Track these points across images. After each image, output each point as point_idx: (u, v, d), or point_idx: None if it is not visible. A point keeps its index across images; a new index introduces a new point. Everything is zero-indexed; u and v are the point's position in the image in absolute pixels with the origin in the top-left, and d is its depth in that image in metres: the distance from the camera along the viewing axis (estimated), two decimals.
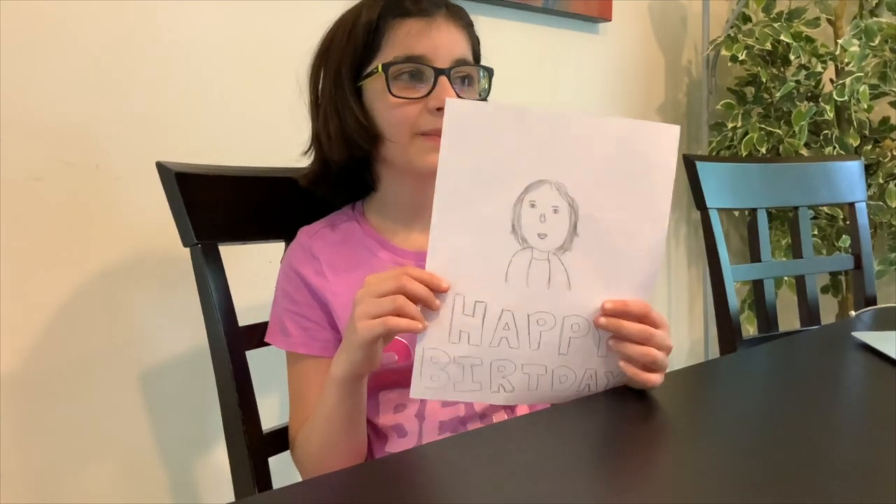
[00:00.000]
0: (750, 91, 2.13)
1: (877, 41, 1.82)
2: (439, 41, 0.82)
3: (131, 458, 1.20)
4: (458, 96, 0.81)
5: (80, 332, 1.13)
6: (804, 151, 1.95)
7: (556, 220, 0.69)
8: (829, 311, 1.98)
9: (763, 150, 1.97)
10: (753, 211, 1.36)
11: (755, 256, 1.36)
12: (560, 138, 0.69)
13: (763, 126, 2.00)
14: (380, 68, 0.82)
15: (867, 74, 1.88)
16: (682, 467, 0.60)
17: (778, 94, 1.99)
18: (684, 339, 2.28)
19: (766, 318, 1.36)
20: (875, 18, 1.87)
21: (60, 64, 1.10)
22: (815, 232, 2.01)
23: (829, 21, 2.00)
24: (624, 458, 0.62)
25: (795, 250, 1.41)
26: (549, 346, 0.72)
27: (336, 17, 0.88)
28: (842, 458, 0.60)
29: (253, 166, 0.95)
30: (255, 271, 1.10)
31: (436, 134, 0.81)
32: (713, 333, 1.82)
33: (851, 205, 1.43)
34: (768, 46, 1.97)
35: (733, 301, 1.29)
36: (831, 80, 1.98)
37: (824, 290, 2.03)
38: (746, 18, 2.08)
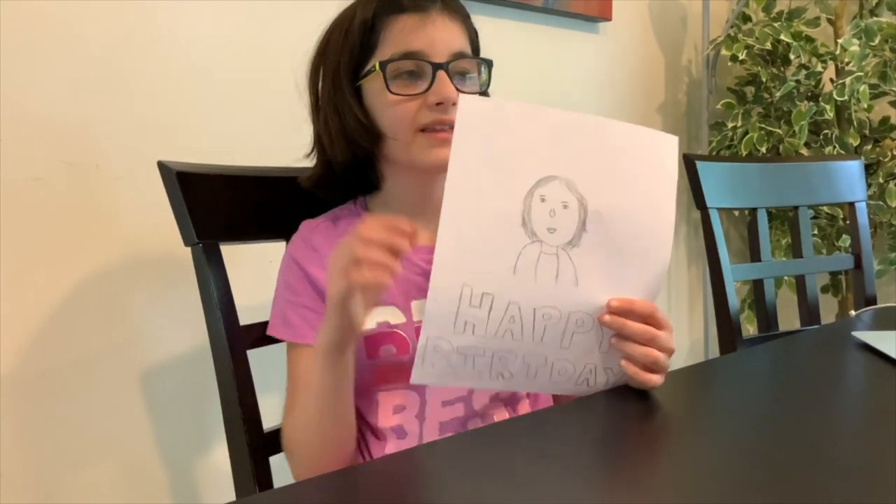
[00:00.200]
0: (750, 91, 2.13)
1: (877, 41, 1.82)
2: (436, 35, 0.82)
3: (131, 458, 1.20)
4: (458, 90, 0.81)
5: (80, 332, 1.14)
6: (804, 151, 1.95)
7: (565, 215, 0.70)
8: (829, 310, 1.98)
9: (763, 149, 1.97)
10: (753, 211, 1.36)
11: (755, 256, 1.36)
12: (570, 137, 0.70)
13: (763, 126, 2.00)
14: (377, 67, 0.81)
15: (867, 74, 1.88)
16: (682, 467, 0.60)
17: (778, 94, 1.99)
18: (684, 338, 2.28)
19: (766, 317, 1.36)
20: (875, 18, 1.87)
21: (60, 64, 1.10)
22: (815, 231, 2.01)
23: (829, 21, 2.00)
24: (624, 458, 0.62)
25: (795, 250, 1.40)
26: (551, 339, 0.72)
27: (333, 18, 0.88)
28: (842, 458, 0.60)
29: (254, 166, 0.95)
30: (255, 271, 1.10)
31: (437, 129, 0.81)
32: (713, 333, 1.82)
33: (851, 204, 1.43)
34: (768, 46, 1.97)
35: (733, 301, 1.29)
36: (831, 80, 1.98)
37: (824, 289, 2.03)
38: (746, 18, 2.08)
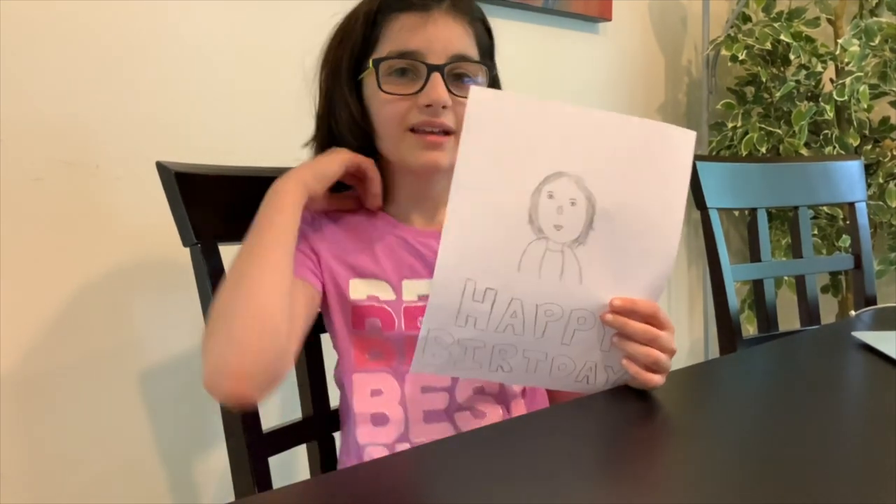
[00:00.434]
0: (750, 91, 2.13)
1: (877, 41, 1.82)
2: (435, 36, 0.80)
3: (131, 459, 1.20)
4: (452, 94, 0.80)
5: (79, 332, 1.13)
6: (804, 151, 1.94)
7: (572, 212, 0.69)
8: (829, 310, 1.98)
9: (763, 149, 1.97)
10: (753, 211, 1.36)
11: (755, 256, 1.36)
12: (581, 133, 0.69)
13: (763, 126, 2.00)
14: (370, 64, 0.81)
15: (867, 74, 1.88)
16: (682, 467, 0.60)
17: (778, 94, 1.99)
18: (684, 338, 2.28)
19: (766, 317, 1.36)
20: (875, 18, 1.87)
21: (60, 64, 1.10)
22: (815, 232, 2.01)
23: (829, 21, 2.00)
24: (624, 458, 0.62)
25: (795, 250, 1.40)
26: (552, 335, 0.72)
27: (336, 16, 0.88)
28: (842, 458, 0.60)
29: (253, 166, 0.95)
30: None
31: (426, 130, 0.81)
32: (713, 333, 1.82)
33: (851, 204, 1.43)
34: (768, 46, 1.97)
35: (733, 301, 1.29)
36: (831, 80, 1.98)
37: (824, 289, 2.03)
38: (746, 18, 2.08)
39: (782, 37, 1.92)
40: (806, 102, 1.97)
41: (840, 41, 1.89)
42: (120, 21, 1.15)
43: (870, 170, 1.94)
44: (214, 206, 0.88)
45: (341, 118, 0.85)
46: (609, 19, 1.94)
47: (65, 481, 1.13)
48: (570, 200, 0.69)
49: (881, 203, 1.90)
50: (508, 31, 1.70)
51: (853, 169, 1.45)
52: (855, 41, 1.83)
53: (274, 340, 0.72)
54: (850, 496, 0.52)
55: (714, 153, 2.08)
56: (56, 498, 1.12)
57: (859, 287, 1.43)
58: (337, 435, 0.94)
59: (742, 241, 2.30)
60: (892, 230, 1.99)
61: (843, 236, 1.94)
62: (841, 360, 0.91)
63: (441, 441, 0.66)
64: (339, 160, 0.83)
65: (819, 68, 1.97)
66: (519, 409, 0.87)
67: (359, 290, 0.85)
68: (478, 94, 0.67)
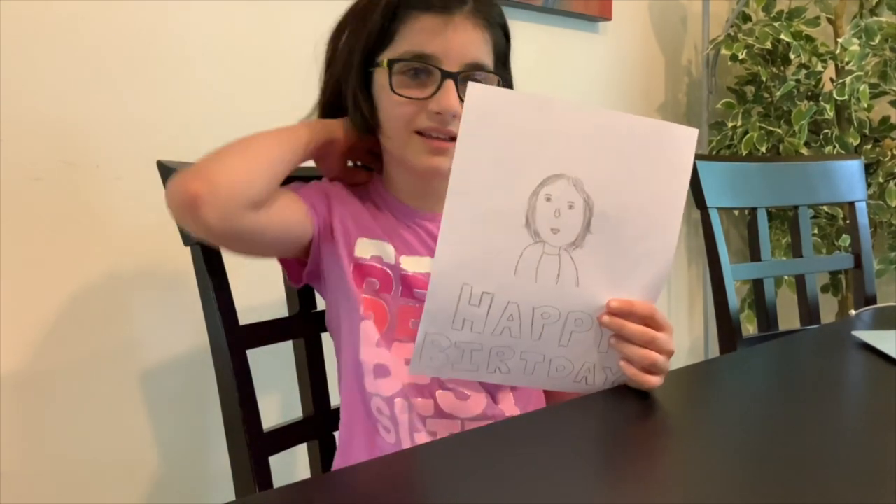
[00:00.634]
0: (750, 90, 2.12)
1: (877, 40, 1.82)
2: (453, 42, 0.80)
3: (131, 458, 1.20)
4: (462, 101, 0.79)
5: (79, 333, 1.13)
6: (804, 150, 1.94)
7: (570, 215, 0.69)
8: (829, 310, 1.98)
9: (763, 149, 1.97)
10: (753, 210, 1.36)
11: (755, 255, 1.36)
12: (581, 132, 0.68)
13: (763, 125, 2.00)
14: (385, 63, 0.81)
15: (867, 73, 1.88)
16: (682, 467, 0.60)
17: (778, 94, 1.99)
18: (684, 338, 2.28)
19: (766, 317, 1.36)
20: (875, 17, 1.87)
21: (60, 64, 1.10)
22: (815, 231, 2.01)
23: (829, 20, 2.00)
24: (624, 458, 0.62)
25: (795, 249, 1.40)
26: (549, 337, 0.72)
27: (336, 16, 0.88)
28: (842, 458, 0.60)
29: None
30: (255, 271, 1.10)
31: (433, 135, 0.81)
32: (713, 333, 1.82)
33: (851, 204, 1.43)
34: (768, 46, 1.97)
35: (733, 300, 1.29)
36: (831, 80, 1.98)
37: (824, 289, 2.03)
38: (746, 18, 2.08)
39: (782, 36, 1.92)
40: (806, 102, 1.97)
41: (840, 40, 1.89)
42: (120, 21, 1.15)
43: (870, 169, 1.94)
44: None
45: (348, 107, 0.84)
46: (609, 19, 1.94)
47: (65, 481, 1.13)
48: (568, 203, 0.69)
49: (881, 202, 1.90)
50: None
51: (853, 168, 1.45)
52: (855, 40, 1.83)
53: (253, 181, 0.76)
54: (850, 496, 0.52)
55: (714, 153, 2.08)
56: (56, 498, 1.12)
57: (859, 286, 1.43)
58: (337, 435, 0.94)
59: (742, 241, 2.30)
60: (892, 230, 1.99)
61: (843, 236, 1.94)
62: (841, 359, 0.91)
63: (441, 441, 0.66)
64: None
65: (819, 68, 1.97)
66: (507, 399, 0.86)
67: (365, 248, 0.86)
68: (476, 91, 0.66)
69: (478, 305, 0.69)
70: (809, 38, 1.96)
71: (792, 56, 1.96)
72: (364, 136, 0.86)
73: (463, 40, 0.80)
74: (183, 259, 0.88)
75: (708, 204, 1.29)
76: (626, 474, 0.59)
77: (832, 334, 1.07)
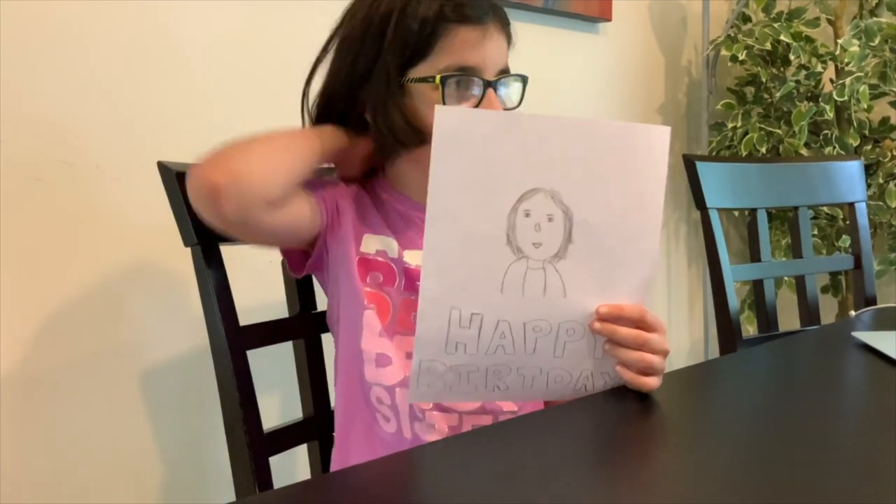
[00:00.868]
0: (750, 91, 2.13)
1: (877, 41, 1.82)
2: (490, 52, 0.84)
3: (131, 458, 1.20)
4: (505, 107, 0.84)
5: (80, 333, 1.14)
6: (804, 151, 1.95)
7: (550, 228, 0.69)
8: (829, 311, 1.98)
9: (763, 150, 1.97)
10: (753, 211, 1.36)
11: (755, 256, 1.36)
12: (552, 143, 0.68)
13: (763, 126, 2.00)
14: (438, 79, 0.82)
15: (867, 74, 1.88)
16: (682, 467, 0.60)
17: (778, 94, 1.99)
18: (684, 339, 2.28)
19: (766, 318, 1.36)
20: (875, 18, 1.87)
21: (60, 64, 1.10)
22: (815, 232, 2.01)
23: (829, 21, 2.00)
24: (624, 458, 0.62)
25: (795, 250, 1.41)
26: (543, 350, 0.72)
27: (336, 16, 0.88)
28: (842, 458, 0.60)
29: None
30: (255, 271, 1.10)
31: None
32: (713, 333, 1.82)
33: (851, 205, 1.43)
34: (768, 46, 1.97)
35: (733, 301, 1.29)
36: (831, 80, 1.98)
37: (824, 290, 2.03)
38: (746, 18, 2.08)
39: (782, 37, 1.92)
40: (806, 102, 1.97)
41: (840, 41, 1.89)
42: (120, 21, 1.15)
43: (870, 170, 1.94)
44: None
45: (391, 122, 0.84)
46: (609, 19, 1.94)
47: (65, 481, 1.13)
48: (548, 217, 0.68)
49: (881, 203, 1.90)
50: None
51: (853, 169, 1.45)
52: (855, 41, 1.83)
53: (276, 181, 0.78)
54: (850, 496, 0.52)
55: (714, 153, 2.08)
56: (56, 498, 1.12)
57: (859, 287, 1.43)
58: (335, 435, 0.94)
59: (742, 241, 2.30)
60: (892, 230, 1.99)
61: (843, 236, 1.94)
62: (841, 360, 0.91)
63: (441, 441, 0.66)
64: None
65: (819, 68, 1.98)
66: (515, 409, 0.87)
67: (370, 244, 0.87)
68: (443, 113, 0.65)
69: (468, 327, 0.69)
70: (809, 39, 1.96)
71: (792, 57, 1.97)
72: (363, 141, 0.88)
73: (497, 49, 0.86)
74: (183, 259, 0.88)
75: (708, 205, 1.29)
76: (626, 474, 0.59)
77: (832, 335, 1.07)
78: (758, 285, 1.37)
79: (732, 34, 2.04)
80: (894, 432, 0.64)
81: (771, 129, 1.99)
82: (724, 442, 0.64)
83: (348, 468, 0.61)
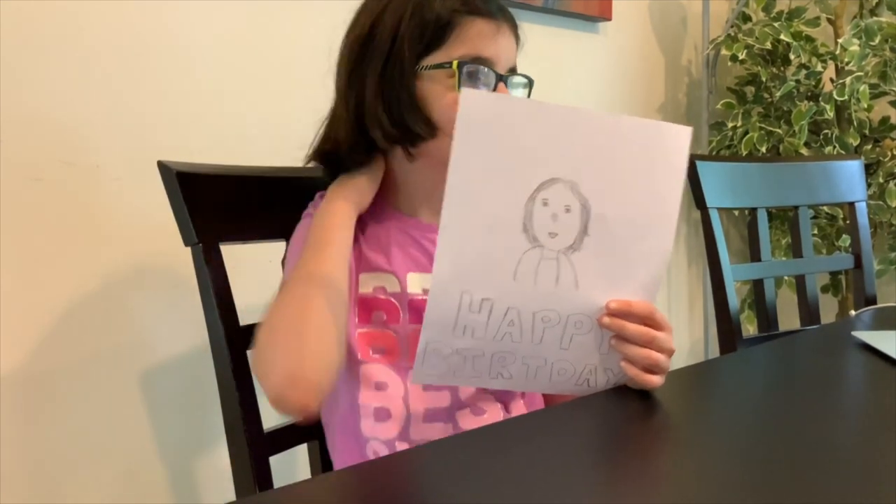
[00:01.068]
0: (750, 90, 2.13)
1: (877, 40, 1.82)
2: (503, 46, 0.84)
3: (131, 458, 1.20)
4: None
5: (80, 333, 1.14)
6: (804, 151, 1.95)
7: (567, 219, 0.69)
8: (829, 310, 1.98)
9: (763, 149, 1.97)
10: (753, 210, 1.36)
11: (755, 256, 1.36)
12: (575, 135, 0.68)
13: (763, 125, 2.00)
14: (455, 65, 0.81)
15: (867, 74, 1.88)
16: (682, 467, 0.60)
17: (778, 94, 1.99)
18: (684, 338, 2.28)
19: (766, 317, 1.36)
20: (875, 18, 1.87)
21: (60, 64, 1.10)
22: (815, 231, 2.01)
23: (829, 20, 2.00)
24: (624, 458, 0.62)
25: (795, 250, 1.41)
26: (550, 341, 0.72)
27: (335, 16, 0.88)
28: (842, 458, 0.60)
29: (254, 166, 0.95)
30: (255, 271, 1.10)
31: None
32: (713, 333, 1.82)
33: (851, 204, 1.43)
34: (768, 46, 1.98)
35: (733, 301, 1.29)
36: (831, 80, 1.98)
37: (824, 289, 2.03)
38: (746, 18, 2.08)
39: (782, 36, 1.92)
40: (806, 102, 1.97)
41: (840, 41, 1.89)
42: (120, 21, 1.15)
43: (870, 169, 1.94)
44: (216, 205, 0.88)
45: (398, 111, 0.83)
46: (609, 19, 1.94)
47: (65, 481, 1.13)
48: (565, 207, 0.68)
49: (881, 203, 1.90)
50: None
51: (853, 169, 1.45)
52: (855, 41, 1.83)
53: (341, 352, 0.74)
54: (850, 496, 0.52)
55: (714, 153, 2.08)
56: (56, 498, 1.12)
57: (859, 287, 1.43)
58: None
59: (742, 241, 2.30)
60: (892, 230, 2.00)
61: (843, 236, 1.95)
62: (841, 359, 0.91)
63: (441, 441, 0.66)
64: (373, 176, 0.86)
65: (819, 68, 1.98)
66: (518, 408, 0.87)
67: (367, 283, 0.86)
68: (470, 97, 0.65)
69: (478, 312, 0.69)
70: (809, 39, 1.96)
71: (792, 56, 1.97)
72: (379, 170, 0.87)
73: (508, 45, 0.86)
74: (183, 259, 0.88)
75: (708, 204, 1.29)
76: (627, 474, 0.59)
77: (832, 335, 1.07)
78: (758, 285, 1.37)
79: (732, 34, 2.04)
80: (894, 432, 0.64)
81: (771, 128, 1.99)
82: (724, 442, 0.64)
83: (348, 468, 0.61)
